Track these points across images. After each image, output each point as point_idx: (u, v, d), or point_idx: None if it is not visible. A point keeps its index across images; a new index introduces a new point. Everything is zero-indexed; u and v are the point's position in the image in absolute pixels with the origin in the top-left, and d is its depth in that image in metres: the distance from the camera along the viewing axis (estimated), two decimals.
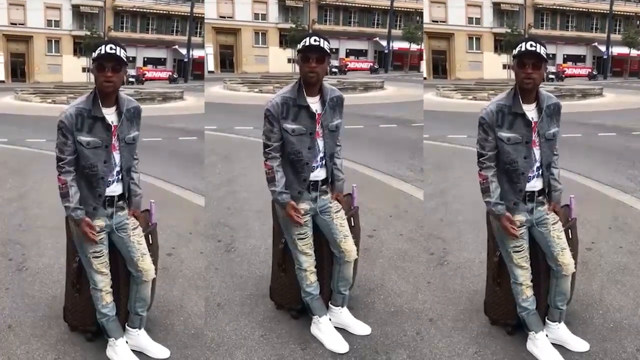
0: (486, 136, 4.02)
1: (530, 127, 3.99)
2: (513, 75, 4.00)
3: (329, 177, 4.40)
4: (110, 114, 3.95)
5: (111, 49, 3.84)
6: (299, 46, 4.17)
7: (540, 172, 4.08)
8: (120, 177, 4.04)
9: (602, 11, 46.38)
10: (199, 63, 42.17)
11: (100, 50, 3.85)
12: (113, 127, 3.94)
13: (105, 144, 3.92)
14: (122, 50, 3.88)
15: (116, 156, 4.00)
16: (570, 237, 4.34)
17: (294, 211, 4.23)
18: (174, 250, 6.13)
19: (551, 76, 41.40)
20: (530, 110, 4.00)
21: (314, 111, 4.22)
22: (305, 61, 4.14)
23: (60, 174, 3.91)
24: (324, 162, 4.34)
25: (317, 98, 4.25)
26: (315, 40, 4.11)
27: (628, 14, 47.00)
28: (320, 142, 4.29)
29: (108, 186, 3.99)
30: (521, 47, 3.92)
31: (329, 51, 4.17)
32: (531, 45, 3.89)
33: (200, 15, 42.65)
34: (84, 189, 3.94)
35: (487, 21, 44.85)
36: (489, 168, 4.03)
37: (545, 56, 3.91)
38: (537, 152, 4.05)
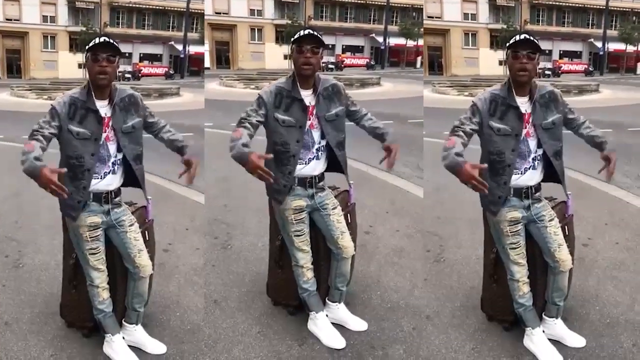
0: (471, 116, 3.97)
1: (522, 121, 3.99)
2: (509, 72, 4.00)
3: (323, 174, 4.40)
4: (103, 107, 3.94)
5: (105, 39, 3.86)
6: (293, 38, 4.18)
7: (536, 162, 4.07)
8: (116, 168, 4.02)
9: (598, 7, 46.37)
10: (195, 59, 42.09)
11: (95, 41, 3.87)
12: (106, 119, 3.94)
13: (94, 136, 3.90)
14: (115, 44, 3.88)
15: (111, 147, 3.99)
16: (567, 233, 4.35)
17: (258, 162, 3.76)
18: (170, 246, 6.13)
19: (547, 72, 41.42)
20: (523, 103, 4.01)
21: (307, 104, 4.22)
22: (300, 52, 4.14)
23: (29, 140, 3.69)
24: (320, 153, 4.32)
25: (310, 91, 4.26)
26: (309, 32, 4.13)
27: (624, 9, 46.99)
28: (315, 133, 4.29)
29: (102, 178, 3.97)
30: (515, 38, 3.94)
31: (322, 39, 4.16)
32: (525, 38, 3.91)
33: (196, 10, 42.57)
34: (67, 182, 3.85)
35: (482, 17, 44.81)
36: (460, 137, 3.80)
37: (539, 46, 3.91)
38: (532, 142, 4.04)
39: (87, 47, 3.89)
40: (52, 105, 3.90)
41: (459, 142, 3.76)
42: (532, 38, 3.91)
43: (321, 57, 4.23)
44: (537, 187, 4.13)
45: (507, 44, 3.96)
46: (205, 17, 42.33)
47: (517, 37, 3.94)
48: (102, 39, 3.87)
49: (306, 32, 4.15)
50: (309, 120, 4.25)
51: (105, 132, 3.95)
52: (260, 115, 4.16)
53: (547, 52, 42.25)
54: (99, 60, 3.85)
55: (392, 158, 4.41)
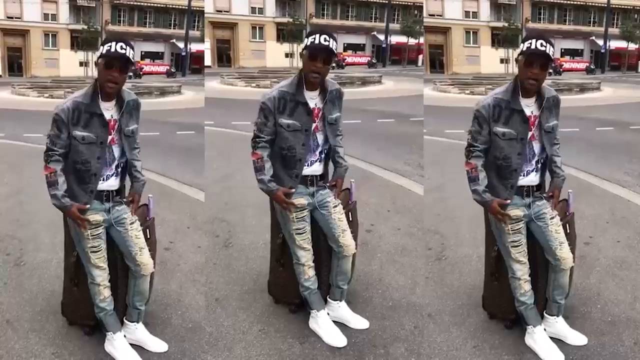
0: (479, 129, 4.00)
1: (527, 124, 3.97)
2: (510, 70, 4.00)
3: (327, 172, 4.39)
4: (109, 109, 3.93)
5: (122, 48, 3.79)
6: (307, 42, 4.10)
7: (539, 165, 4.08)
8: (118, 170, 4.03)
9: (599, 5, 46.28)
10: (197, 57, 42.04)
11: (110, 47, 3.79)
12: (112, 121, 3.93)
13: (100, 140, 3.89)
14: (131, 50, 3.84)
15: (116, 150, 3.98)
16: (569, 231, 4.34)
17: (284, 197, 4.20)
18: (171, 244, 6.13)
19: (549, 70, 41.31)
20: (529, 105, 3.99)
21: (313, 107, 4.21)
22: (312, 60, 4.10)
23: (48, 163, 3.86)
24: (322, 155, 4.33)
25: (317, 92, 4.23)
26: (325, 40, 4.07)
27: (626, 7, 46.90)
28: (320, 136, 4.28)
29: (105, 180, 3.97)
30: (530, 44, 3.84)
31: (335, 51, 4.13)
32: (542, 45, 3.83)
33: (198, 8, 42.54)
34: (74, 184, 3.89)
35: (484, 15, 44.73)
36: (478, 157, 4.00)
37: (552, 55, 3.87)
38: (537, 146, 4.04)
39: (102, 48, 3.80)
40: (55, 114, 3.86)
41: (482, 174, 3.95)
42: (547, 50, 3.82)
43: (332, 63, 4.21)
44: (539, 186, 4.12)
45: (522, 49, 3.87)
46: (206, 15, 42.29)
47: (533, 44, 3.83)
48: (118, 46, 3.78)
49: (322, 39, 4.07)
50: (314, 123, 4.24)
51: (111, 134, 3.94)
52: (270, 127, 4.18)
53: None
54: (111, 68, 3.81)
55: (338, 192, 4.45)
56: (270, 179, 4.18)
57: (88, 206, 3.91)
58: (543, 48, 3.83)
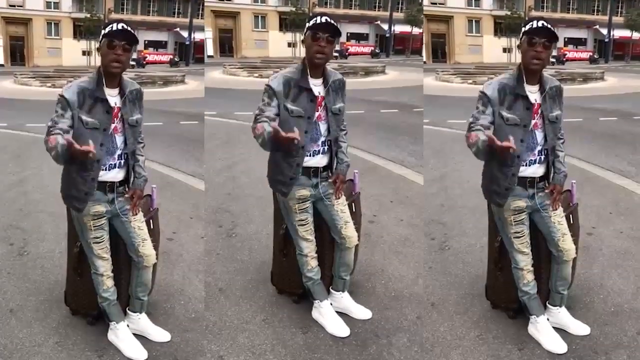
0: (484, 109, 3.92)
1: (531, 111, 3.95)
2: (513, 59, 3.99)
3: (332, 163, 4.36)
4: (113, 96, 3.91)
5: (123, 27, 3.80)
6: (309, 24, 4.06)
7: (542, 156, 4.05)
8: (122, 161, 4.01)
9: None
10: (201, 46, 41.99)
11: (112, 27, 3.80)
12: (116, 109, 3.91)
13: (103, 126, 3.86)
14: (134, 32, 3.84)
15: (119, 139, 3.96)
16: (572, 222, 4.34)
17: (284, 134, 3.82)
18: (174, 235, 6.14)
19: (552, 59, 41.23)
20: (533, 92, 3.97)
21: (317, 94, 4.18)
22: (315, 40, 4.04)
23: (49, 136, 3.69)
24: (326, 147, 4.28)
25: (321, 80, 4.21)
26: (326, 20, 4.05)
27: None
28: (322, 126, 4.24)
29: (108, 170, 3.95)
30: (532, 24, 3.85)
31: (339, 30, 4.09)
32: (543, 25, 3.83)
33: None
34: (75, 172, 3.86)
35: (486, 3, 44.59)
36: (480, 131, 3.82)
37: (556, 35, 3.85)
38: (539, 134, 4.01)
39: (103, 31, 3.81)
40: (60, 95, 3.81)
41: (482, 135, 3.75)
42: (549, 26, 3.82)
43: (335, 46, 4.17)
44: (542, 177, 4.10)
45: (523, 30, 3.88)
46: (208, 4, 42.20)
47: (535, 24, 3.84)
48: (120, 26, 3.80)
49: (323, 19, 4.04)
50: (317, 111, 4.20)
51: (114, 122, 3.91)
52: (274, 107, 4.07)
53: None
54: (115, 47, 3.79)
55: (336, 189, 4.36)
56: (270, 130, 3.86)
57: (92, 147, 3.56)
58: (544, 26, 3.83)
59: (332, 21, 4.06)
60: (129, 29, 3.82)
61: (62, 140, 3.60)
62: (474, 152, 3.83)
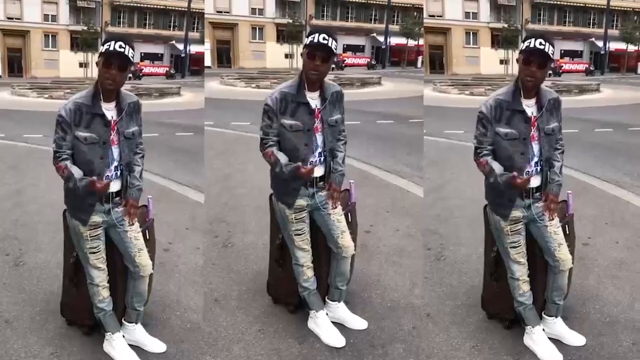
0: (485, 131, 4.01)
1: (529, 124, 3.98)
2: (510, 71, 4.01)
3: (328, 174, 4.37)
4: (110, 109, 3.94)
5: (120, 47, 3.79)
6: (307, 41, 4.12)
7: (538, 168, 4.07)
8: (118, 173, 4.02)
9: (599, 6, 46.29)
10: (196, 58, 42.08)
11: (109, 46, 3.80)
12: (113, 122, 3.93)
13: (102, 140, 3.90)
14: (131, 50, 3.83)
15: (115, 151, 3.97)
16: (568, 232, 4.35)
17: (303, 169, 4.12)
18: (170, 245, 6.13)
19: (549, 71, 41.28)
20: (530, 106, 4.00)
21: (314, 107, 4.21)
22: (311, 58, 4.11)
23: (58, 162, 3.88)
24: (322, 158, 4.30)
25: (317, 93, 4.24)
26: (324, 39, 4.07)
27: (625, 9, 46.94)
28: (319, 138, 4.26)
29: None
30: (530, 43, 3.86)
31: (335, 51, 4.13)
32: (540, 44, 3.84)
33: (197, 10, 42.56)
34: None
35: (484, 16, 44.77)
36: (487, 155, 4.00)
37: (552, 55, 3.87)
38: (536, 147, 4.03)
39: (102, 48, 3.82)
40: (59, 116, 3.87)
41: (494, 164, 3.96)
42: (546, 49, 3.83)
43: (332, 63, 4.22)
44: (538, 188, 4.12)
45: (521, 47, 3.92)
46: (206, 16, 42.30)
47: (532, 43, 3.85)
48: (117, 45, 3.79)
49: (321, 38, 4.07)
50: (315, 123, 4.24)
51: (110, 135, 3.94)
52: (275, 128, 4.20)
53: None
54: (110, 67, 3.82)
55: (333, 198, 4.37)
56: (287, 162, 4.15)
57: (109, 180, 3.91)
58: (542, 47, 3.84)
59: (329, 39, 4.09)
60: (125, 50, 3.81)
61: (78, 174, 3.83)
62: (491, 181, 4.01)
